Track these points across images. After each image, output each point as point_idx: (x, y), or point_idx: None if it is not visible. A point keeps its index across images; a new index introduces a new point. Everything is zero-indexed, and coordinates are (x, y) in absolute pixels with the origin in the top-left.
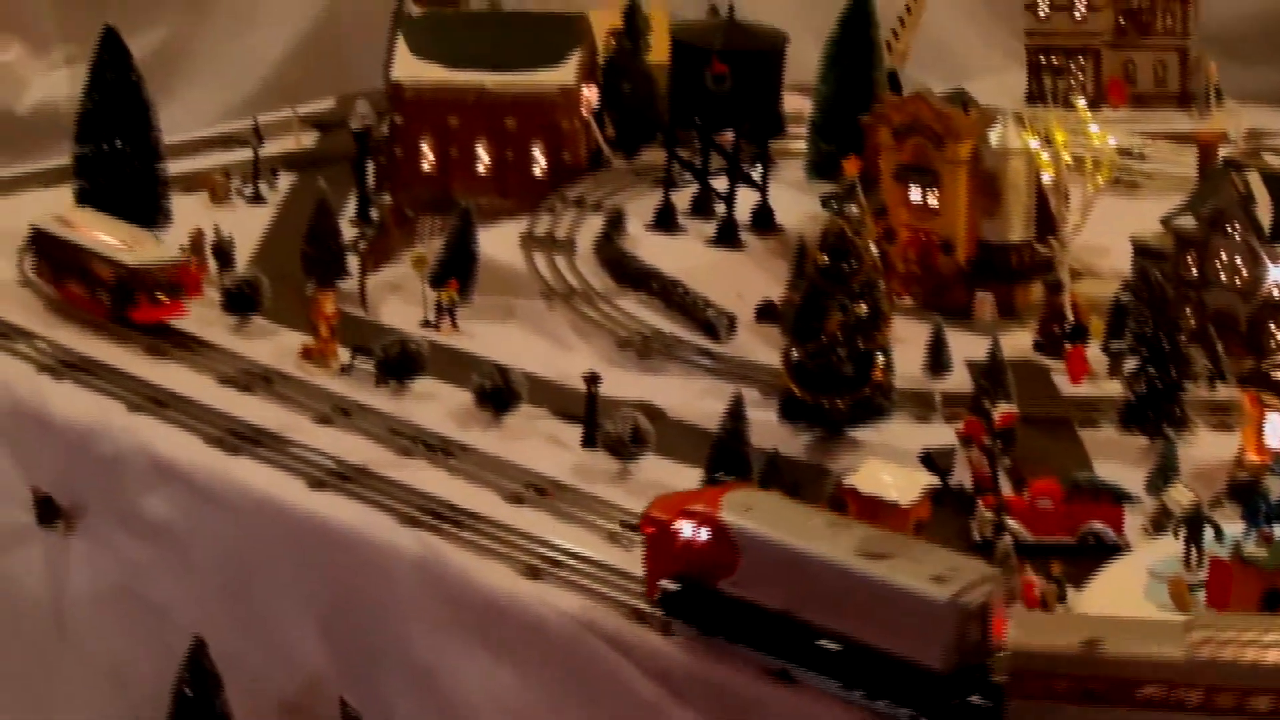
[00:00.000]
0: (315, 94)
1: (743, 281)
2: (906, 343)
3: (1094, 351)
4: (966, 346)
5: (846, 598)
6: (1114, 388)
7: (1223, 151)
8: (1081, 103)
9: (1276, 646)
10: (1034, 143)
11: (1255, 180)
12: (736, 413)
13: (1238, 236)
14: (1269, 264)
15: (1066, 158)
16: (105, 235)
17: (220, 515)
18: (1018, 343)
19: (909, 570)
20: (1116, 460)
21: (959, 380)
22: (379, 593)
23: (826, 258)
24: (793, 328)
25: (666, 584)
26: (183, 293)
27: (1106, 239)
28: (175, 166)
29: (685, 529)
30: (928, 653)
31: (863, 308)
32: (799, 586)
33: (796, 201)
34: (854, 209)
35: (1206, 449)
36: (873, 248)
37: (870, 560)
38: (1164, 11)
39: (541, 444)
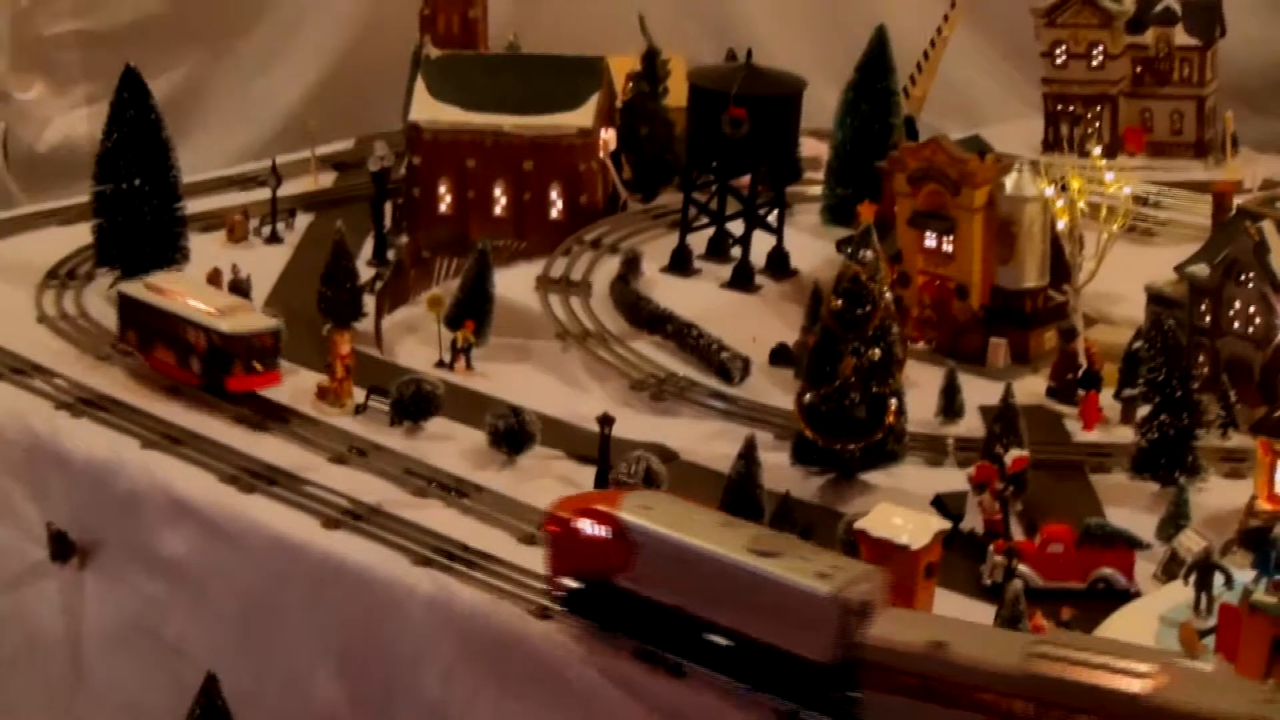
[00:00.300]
0: (335, 135)
1: (758, 325)
2: (921, 387)
3: (1107, 398)
4: (981, 392)
5: (736, 593)
6: (1126, 434)
7: (1237, 200)
8: (1097, 150)
9: (1107, 670)
10: (1049, 190)
11: (1270, 229)
12: (749, 455)
13: (1251, 285)
14: None
15: (1081, 205)
16: (198, 301)
17: (235, 553)
18: (1031, 388)
19: (795, 567)
20: (1128, 506)
21: (972, 425)
22: (392, 631)
23: (841, 302)
24: (806, 371)
25: (568, 581)
26: (277, 361)
27: (1121, 286)
28: (194, 205)
29: (586, 527)
30: (811, 646)
31: (876, 352)
32: (692, 583)
33: (812, 246)
34: (869, 254)
35: (1219, 496)
36: (887, 293)
37: (759, 557)
38: (1181, 61)
39: (555, 485)
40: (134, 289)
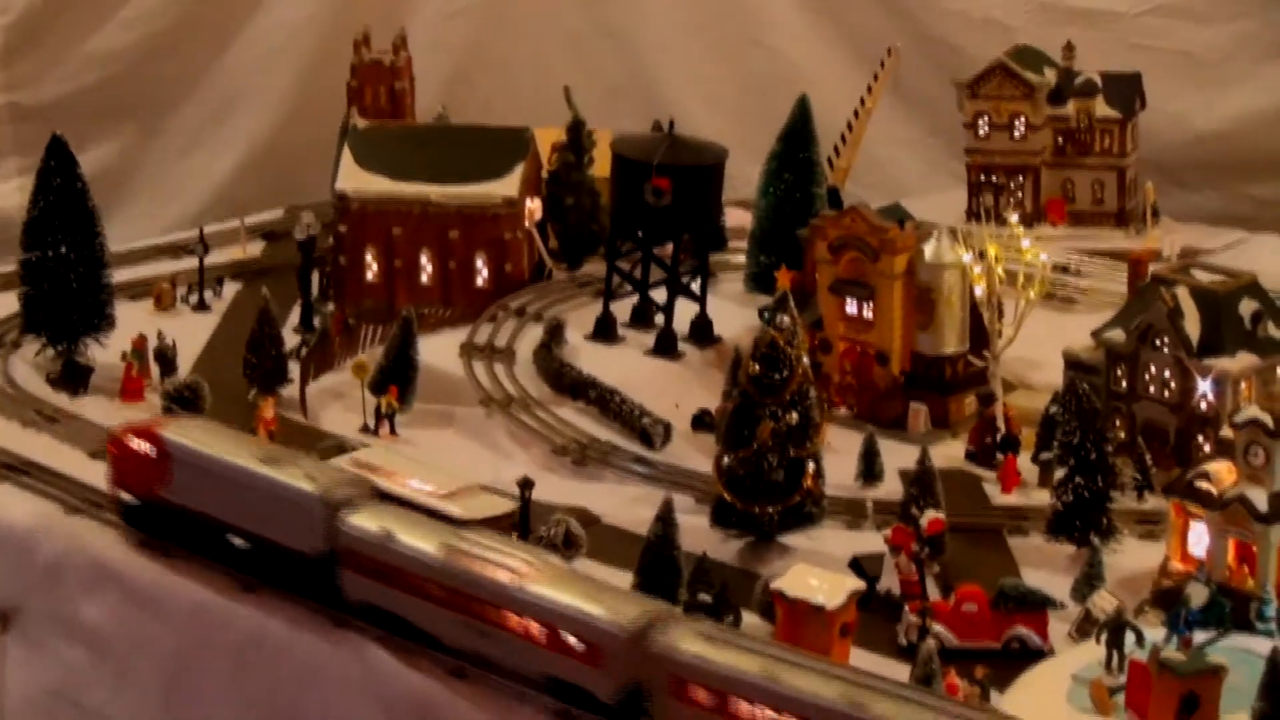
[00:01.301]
0: (266, 206)
1: (680, 391)
2: (841, 453)
3: (1025, 462)
4: (901, 456)
5: (248, 499)
6: (1044, 497)
7: (1153, 268)
8: (1014, 218)
9: (490, 563)
10: (967, 257)
11: (1184, 295)
12: (666, 517)
13: (1166, 350)
14: (1197, 378)
15: (1000, 272)
16: (420, 482)
17: (155, 620)
18: (951, 453)
19: (290, 473)
20: (1044, 568)
21: (892, 488)
22: (314, 696)
23: (758, 367)
24: (724, 435)
25: (124, 496)
26: None
27: (1041, 353)
28: (123, 274)
29: (135, 445)
30: (305, 540)
31: (794, 416)
32: (214, 492)
33: (736, 313)
34: (786, 319)
35: (1134, 557)
36: (804, 358)
37: (262, 464)
38: (1102, 132)
39: None
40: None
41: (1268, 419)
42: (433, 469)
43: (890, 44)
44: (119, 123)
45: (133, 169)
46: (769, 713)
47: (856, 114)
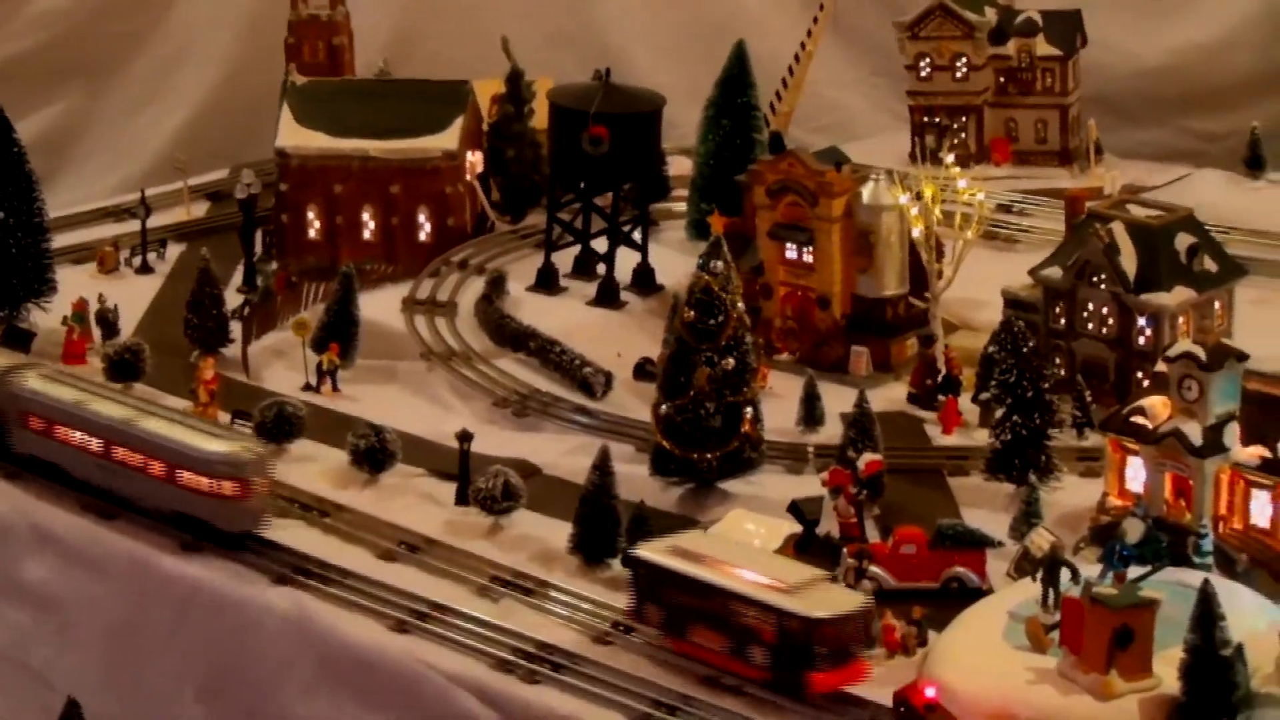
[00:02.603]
0: (211, 166)
1: (623, 340)
2: (783, 398)
3: (966, 403)
4: (843, 400)
5: None
6: (984, 437)
7: (1090, 205)
8: (950, 158)
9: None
10: (905, 198)
11: (1119, 231)
12: (603, 466)
13: (1103, 287)
14: (1135, 313)
15: (937, 213)
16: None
17: (97, 580)
18: (893, 395)
19: None
20: (984, 507)
21: (833, 433)
22: (253, 650)
23: (693, 313)
24: (662, 382)
25: None
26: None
27: (984, 293)
28: (68, 238)
29: None
30: None
31: (730, 362)
32: None
33: (678, 261)
34: (720, 264)
35: (1074, 494)
36: (740, 303)
37: None
38: (1043, 71)
39: (416, 502)
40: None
41: (1200, 352)
42: (765, 557)
43: None
44: (64, 84)
45: (79, 131)
46: (75, 432)
47: (797, 58)
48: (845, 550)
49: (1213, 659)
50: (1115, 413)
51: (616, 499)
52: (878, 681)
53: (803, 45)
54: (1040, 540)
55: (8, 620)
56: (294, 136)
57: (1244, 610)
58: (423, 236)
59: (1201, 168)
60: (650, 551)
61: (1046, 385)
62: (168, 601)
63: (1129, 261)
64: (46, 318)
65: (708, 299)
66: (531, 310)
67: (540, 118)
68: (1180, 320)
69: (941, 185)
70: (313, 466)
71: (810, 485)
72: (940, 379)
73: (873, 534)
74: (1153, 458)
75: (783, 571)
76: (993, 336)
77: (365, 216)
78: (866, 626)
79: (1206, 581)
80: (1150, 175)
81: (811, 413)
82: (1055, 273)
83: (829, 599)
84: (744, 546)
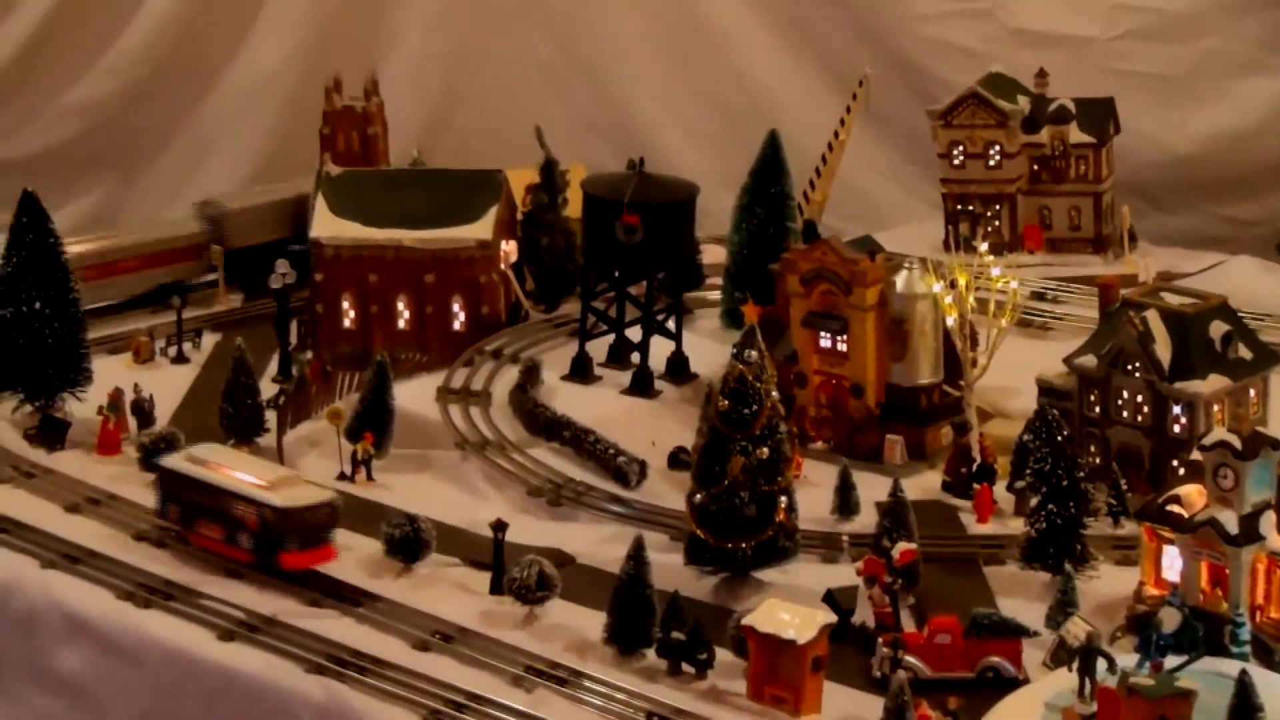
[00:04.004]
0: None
1: (657, 429)
2: (818, 486)
3: (1001, 491)
4: (877, 488)
5: None
6: (1019, 525)
7: (1124, 292)
8: (983, 246)
9: None
10: (938, 287)
11: (1154, 319)
12: (637, 556)
13: (1138, 375)
14: (1169, 401)
15: (970, 301)
16: (245, 474)
17: (131, 669)
18: (928, 483)
19: None
20: (1020, 596)
21: (868, 521)
22: None
23: (727, 402)
24: (696, 471)
25: None
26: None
27: (1018, 381)
28: (101, 329)
29: None
30: None
31: (764, 451)
32: None
33: (712, 350)
34: (753, 353)
35: (1110, 583)
36: (774, 391)
37: None
38: (1077, 158)
39: (450, 591)
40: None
41: (1235, 440)
42: (260, 464)
43: (862, 72)
44: (99, 173)
45: (114, 220)
46: None
47: (830, 146)
48: (880, 640)
49: None
50: (1150, 501)
51: (651, 588)
52: None
53: (836, 134)
54: (1076, 629)
55: (39, 710)
56: (329, 226)
57: None
58: (457, 325)
59: (1234, 254)
60: (169, 461)
61: (1081, 473)
62: (201, 691)
63: (1163, 349)
64: (81, 407)
65: (742, 388)
66: (565, 399)
67: (574, 206)
68: (1215, 408)
69: (975, 273)
70: (347, 555)
71: (845, 574)
72: (975, 467)
73: (908, 623)
74: (1188, 546)
75: (266, 473)
76: (1027, 424)
77: (400, 305)
78: (332, 515)
79: (1244, 671)
80: (1183, 262)
81: (846, 501)
82: (1089, 360)
83: (299, 494)
84: (243, 456)
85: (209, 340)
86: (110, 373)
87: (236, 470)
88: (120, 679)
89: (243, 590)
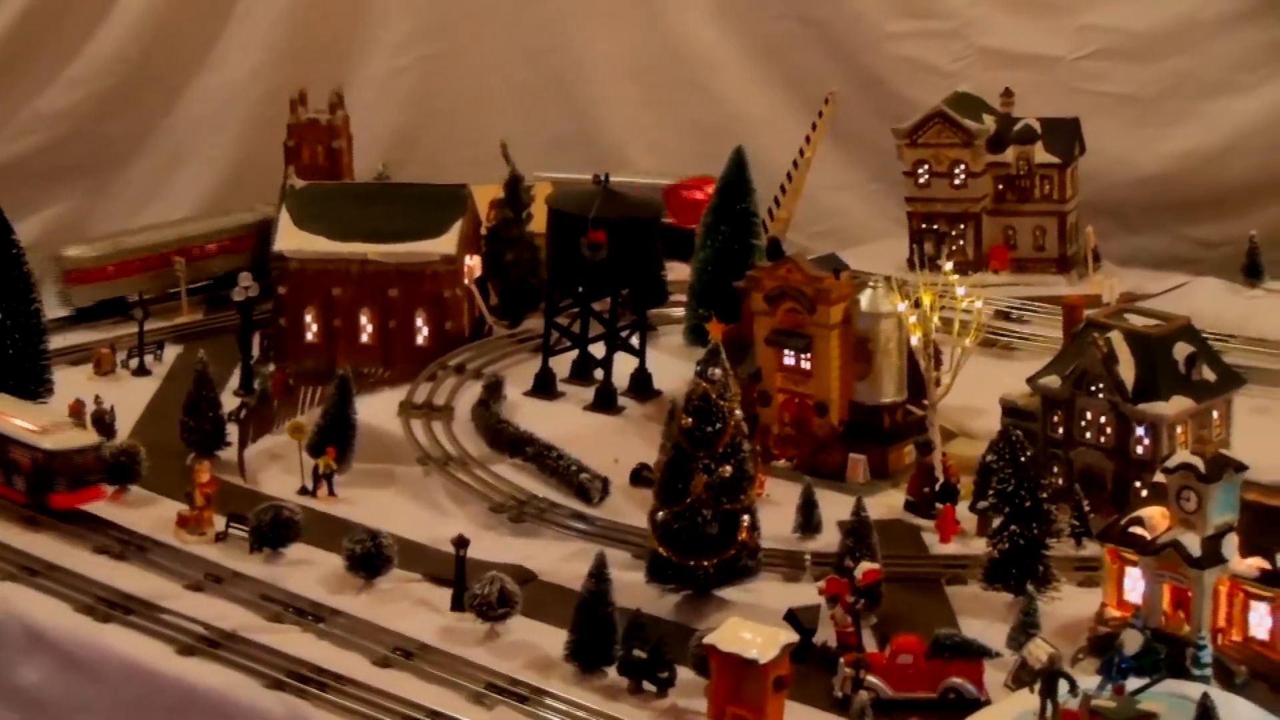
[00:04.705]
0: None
1: (620, 446)
2: (780, 505)
3: (964, 511)
4: (840, 507)
5: None
6: (982, 546)
7: (1088, 313)
8: (948, 265)
9: None
10: (903, 306)
11: (1118, 340)
12: (600, 574)
13: (1101, 396)
14: (1133, 423)
15: (935, 320)
16: (18, 419)
17: (91, 683)
18: (891, 502)
19: None
20: (982, 617)
21: (831, 540)
22: None
23: (690, 420)
24: (659, 489)
25: None
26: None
27: (981, 401)
28: (63, 339)
29: None
30: None
31: (727, 469)
32: None
33: (676, 367)
34: (717, 372)
35: (1072, 605)
36: (737, 410)
37: None
38: (1042, 178)
39: (411, 607)
40: None
41: (1199, 463)
42: (32, 409)
43: (828, 90)
44: (64, 185)
45: (78, 232)
46: None
47: (796, 164)
48: (842, 660)
49: None
50: (1113, 523)
51: (613, 606)
52: None
53: (801, 151)
54: (1038, 651)
55: None
56: (293, 239)
57: None
58: (420, 340)
59: (1199, 275)
60: None
61: (1044, 494)
62: (162, 706)
63: (1127, 370)
64: None
65: (705, 406)
66: (529, 415)
67: (539, 222)
68: (1178, 430)
69: (940, 292)
70: (308, 571)
71: (807, 593)
72: (938, 487)
73: (870, 643)
74: (1151, 569)
75: (39, 418)
76: (991, 445)
77: (363, 320)
78: (98, 459)
79: (1206, 695)
80: (1148, 283)
81: (809, 520)
82: (1053, 381)
83: (68, 438)
84: (20, 403)
85: (171, 353)
86: (72, 384)
87: (13, 417)
88: (80, 693)
89: (204, 604)
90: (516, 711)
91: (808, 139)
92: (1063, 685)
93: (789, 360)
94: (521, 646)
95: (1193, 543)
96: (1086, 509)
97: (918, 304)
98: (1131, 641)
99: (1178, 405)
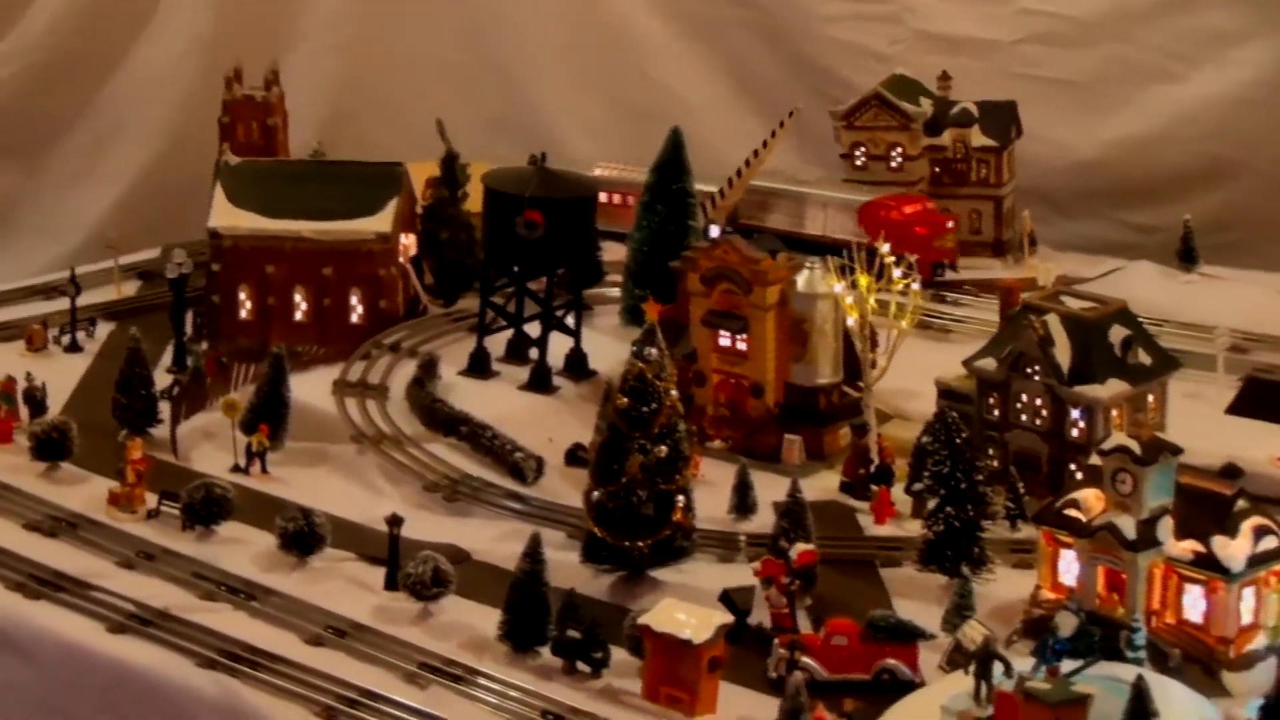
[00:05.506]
0: (144, 245)
1: (555, 426)
2: (716, 485)
3: (899, 493)
4: (775, 488)
5: None
6: (917, 528)
7: (1024, 296)
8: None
9: None
10: (839, 287)
11: (1054, 323)
12: (534, 554)
13: (1037, 379)
14: (1068, 405)
15: (871, 302)
16: None
17: (22, 662)
18: (826, 484)
19: None
20: (917, 599)
21: (766, 521)
22: None
23: (626, 400)
24: (594, 469)
25: None
26: None
27: (917, 383)
28: None
29: None
30: None
31: (663, 449)
32: None
33: (611, 347)
34: (653, 352)
35: (1007, 587)
36: (673, 390)
37: None
38: (978, 162)
39: (344, 586)
40: None
41: (1134, 446)
42: None
43: (794, 105)
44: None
45: (9, 208)
46: None
47: (748, 163)
48: (777, 641)
49: None
50: (1048, 505)
51: (547, 586)
52: None
53: (756, 152)
54: (973, 633)
55: None
56: (227, 216)
57: (1177, 706)
58: (355, 319)
59: (1135, 260)
60: None
61: (980, 476)
62: (94, 686)
63: (1063, 353)
64: None
65: (641, 386)
66: (463, 394)
67: (475, 201)
68: (1114, 413)
69: (876, 274)
70: (242, 550)
71: (742, 575)
72: (873, 469)
73: (805, 625)
74: (1086, 551)
75: None
76: (926, 427)
77: (297, 298)
78: None
79: (1140, 677)
80: (1084, 267)
81: (744, 501)
82: (989, 364)
83: None
84: None
85: (103, 329)
86: (3, 361)
87: None
88: (10, 672)
89: (135, 582)
90: (450, 691)
91: (765, 143)
92: (997, 667)
93: (724, 341)
94: (455, 626)
95: (1128, 526)
96: (1022, 491)
97: (854, 286)
98: (1066, 624)
99: (1113, 388)
